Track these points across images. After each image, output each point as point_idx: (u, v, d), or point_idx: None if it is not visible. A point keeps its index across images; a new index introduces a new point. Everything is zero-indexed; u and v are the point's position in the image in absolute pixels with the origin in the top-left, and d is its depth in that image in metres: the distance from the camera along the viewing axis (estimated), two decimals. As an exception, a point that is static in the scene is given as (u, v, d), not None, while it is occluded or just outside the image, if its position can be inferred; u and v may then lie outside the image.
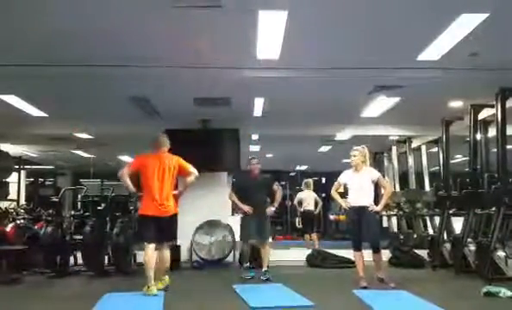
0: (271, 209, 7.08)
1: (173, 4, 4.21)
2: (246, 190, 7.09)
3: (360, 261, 6.26)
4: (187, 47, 5.32)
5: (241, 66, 5.93)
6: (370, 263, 6.36)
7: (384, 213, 10.14)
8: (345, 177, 6.43)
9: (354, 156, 6.34)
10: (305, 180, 11.58)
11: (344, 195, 6.63)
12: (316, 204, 11.17)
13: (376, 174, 6.43)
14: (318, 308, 5.03)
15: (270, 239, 7.44)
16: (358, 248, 6.29)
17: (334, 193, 6.62)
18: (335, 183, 6.57)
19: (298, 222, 16.68)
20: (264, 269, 6.91)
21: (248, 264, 7.07)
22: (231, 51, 5.45)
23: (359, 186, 6.25)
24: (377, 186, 6.46)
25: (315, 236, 10.91)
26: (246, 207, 6.94)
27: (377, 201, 6.42)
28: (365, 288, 6.01)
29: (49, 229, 7.58)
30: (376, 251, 6.27)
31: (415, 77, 6.25)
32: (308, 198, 11.16)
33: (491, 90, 6.67)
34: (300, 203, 11.26)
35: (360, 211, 6.19)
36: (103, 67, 5.81)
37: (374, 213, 6.30)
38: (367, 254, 6.34)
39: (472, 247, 7.05)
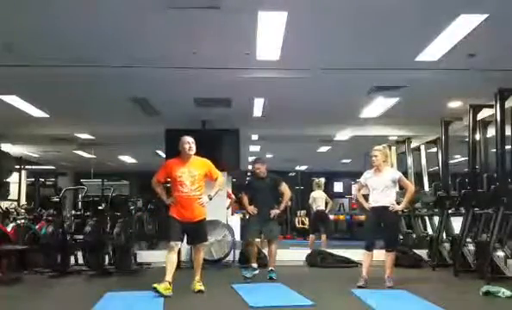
0: (275, 211, 6.98)
1: (172, 5, 4.23)
2: (254, 192, 7.15)
3: (367, 261, 6.24)
4: (187, 48, 5.34)
5: (241, 66, 5.94)
6: (373, 264, 6.37)
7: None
8: (366, 178, 6.40)
9: (375, 156, 6.24)
10: (316, 180, 11.38)
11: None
12: (326, 204, 11.12)
13: (397, 174, 6.42)
14: (318, 308, 5.04)
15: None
16: (369, 248, 6.26)
17: (358, 194, 6.70)
18: (357, 185, 6.57)
19: (298, 222, 16.82)
20: (270, 268, 6.90)
21: (255, 265, 6.97)
22: (231, 51, 5.47)
23: (380, 186, 6.20)
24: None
25: (324, 236, 10.85)
26: (250, 208, 7.00)
27: None
28: (361, 287, 6.02)
29: (50, 229, 7.60)
30: (390, 250, 6.26)
31: (415, 78, 6.28)
32: (319, 198, 11.10)
33: (490, 91, 6.69)
34: (313, 203, 11.18)
35: (381, 211, 6.16)
36: (103, 68, 5.84)
37: (395, 213, 6.28)
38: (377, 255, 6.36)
39: (472, 247, 7.07)
